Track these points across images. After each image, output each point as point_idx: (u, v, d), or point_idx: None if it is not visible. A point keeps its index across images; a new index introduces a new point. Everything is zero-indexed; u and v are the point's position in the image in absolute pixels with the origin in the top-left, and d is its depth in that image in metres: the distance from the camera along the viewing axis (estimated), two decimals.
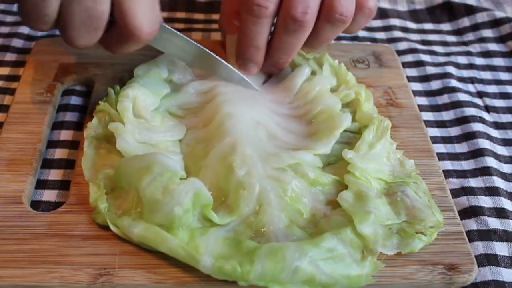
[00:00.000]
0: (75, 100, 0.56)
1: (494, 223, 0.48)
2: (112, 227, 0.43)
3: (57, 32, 0.64)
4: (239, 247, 0.41)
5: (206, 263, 0.40)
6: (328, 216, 0.45)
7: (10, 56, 0.62)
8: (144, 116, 0.50)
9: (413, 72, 0.64)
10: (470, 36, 0.70)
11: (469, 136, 0.55)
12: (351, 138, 0.51)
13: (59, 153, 0.51)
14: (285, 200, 0.45)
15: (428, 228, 0.43)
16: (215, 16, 0.70)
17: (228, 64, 0.53)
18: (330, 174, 0.47)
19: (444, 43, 0.69)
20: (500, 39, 0.69)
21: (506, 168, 0.53)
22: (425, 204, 0.45)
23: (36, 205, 0.47)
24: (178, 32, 0.50)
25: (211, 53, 0.52)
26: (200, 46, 0.52)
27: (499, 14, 0.71)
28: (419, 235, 0.43)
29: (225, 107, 0.50)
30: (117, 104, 0.50)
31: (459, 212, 0.48)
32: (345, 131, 0.52)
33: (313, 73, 0.56)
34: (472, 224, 0.48)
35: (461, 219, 0.47)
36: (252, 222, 0.44)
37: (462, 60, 0.66)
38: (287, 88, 0.55)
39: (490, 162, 0.53)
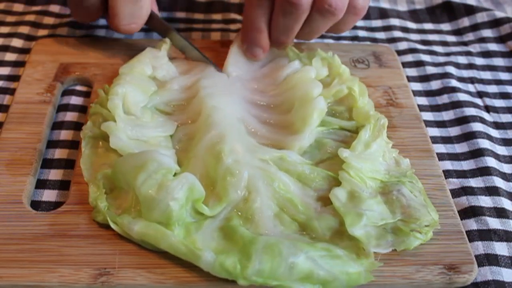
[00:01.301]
0: (75, 100, 0.56)
1: (494, 223, 0.48)
2: (112, 225, 0.43)
3: (58, 32, 0.65)
4: (235, 239, 0.41)
5: (207, 259, 0.40)
6: (319, 213, 0.45)
7: (10, 56, 0.62)
8: (134, 113, 0.50)
9: (413, 72, 0.64)
10: (470, 36, 0.70)
11: (469, 136, 0.55)
12: (348, 137, 0.51)
13: (59, 153, 0.51)
14: (274, 188, 0.45)
15: (423, 227, 0.43)
16: (215, 16, 0.70)
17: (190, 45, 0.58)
18: (323, 169, 0.47)
19: (444, 43, 0.69)
20: (500, 39, 0.69)
21: (506, 168, 0.53)
22: (421, 203, 0.45)
23: (36, 205, 0.47)
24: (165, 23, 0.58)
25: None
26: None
27: (499, 14, 0.71)
28: (414, 232, 0.43)
29: (209, 101, 0.51)
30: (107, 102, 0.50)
31: (459, 212, 0.48)
32: (342, 129, 0.52)
33: None
34: (472, 224, 0.48)
35: (461, 219, 0.47)
36: (242, 209, 0.44)
37: (462, 60, 0.66)
38: (272, 78, 0.55)
39: (490, 162, 0.53)
